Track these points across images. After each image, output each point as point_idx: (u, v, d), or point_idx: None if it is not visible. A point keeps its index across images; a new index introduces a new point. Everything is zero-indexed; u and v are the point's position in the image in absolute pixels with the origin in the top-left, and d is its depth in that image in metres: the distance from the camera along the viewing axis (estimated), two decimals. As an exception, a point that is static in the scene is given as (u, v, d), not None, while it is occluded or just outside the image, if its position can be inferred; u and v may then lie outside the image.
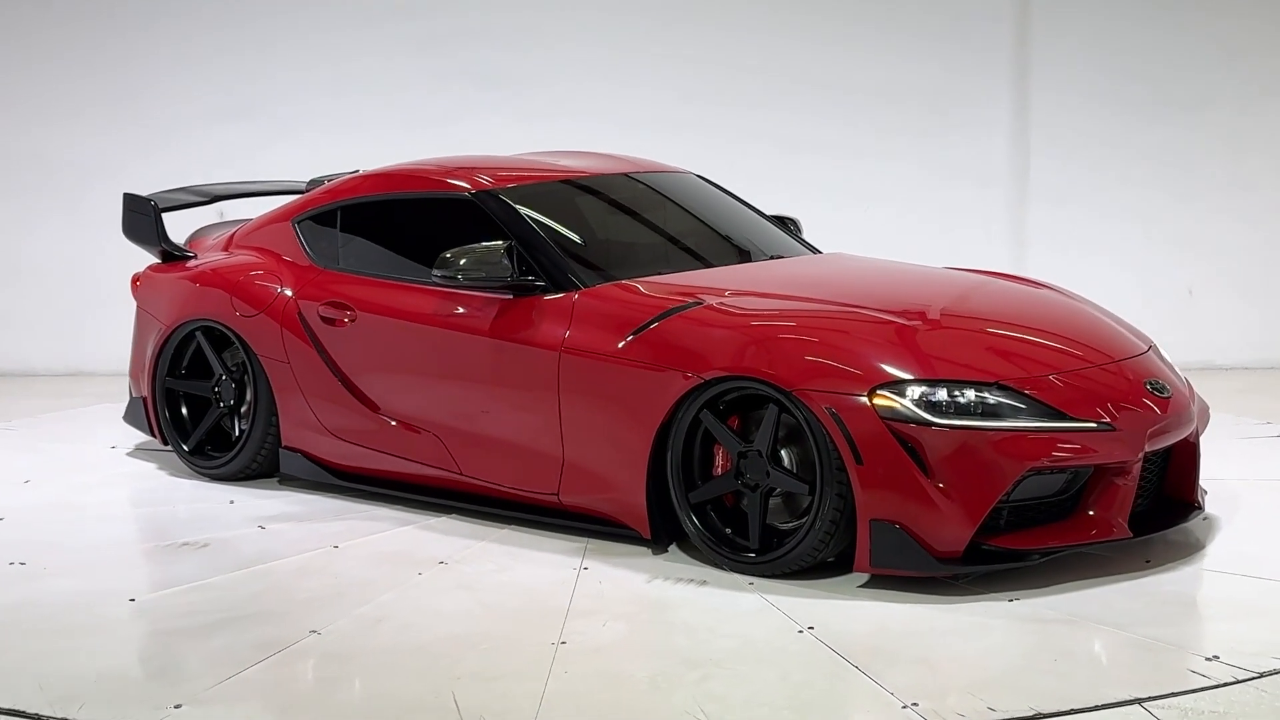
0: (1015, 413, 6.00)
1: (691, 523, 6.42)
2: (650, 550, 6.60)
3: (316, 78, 11.32)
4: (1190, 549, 6.49)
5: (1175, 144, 11.05)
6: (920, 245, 10.92)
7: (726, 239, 7.71)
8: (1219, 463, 7.71)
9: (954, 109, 11.20)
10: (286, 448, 7.71)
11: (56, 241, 11.40)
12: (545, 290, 6.88)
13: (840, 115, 11.23)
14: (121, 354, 8.56)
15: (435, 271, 6.92)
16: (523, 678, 5.27)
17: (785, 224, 8.20)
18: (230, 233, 8.33)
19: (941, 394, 5.98)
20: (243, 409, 7.87)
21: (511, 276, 6.85)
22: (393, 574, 6.40)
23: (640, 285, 6.83)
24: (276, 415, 7.68)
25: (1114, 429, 6.09)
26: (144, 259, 8.58)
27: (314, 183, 8.44)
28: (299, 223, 7.89)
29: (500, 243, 6.90)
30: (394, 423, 7.32)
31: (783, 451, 6.26)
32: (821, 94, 11.23)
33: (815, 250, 7.93)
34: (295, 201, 8.04)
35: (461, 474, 7.13)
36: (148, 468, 8.32)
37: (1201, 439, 6.78)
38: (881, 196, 11.26)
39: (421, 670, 5.37)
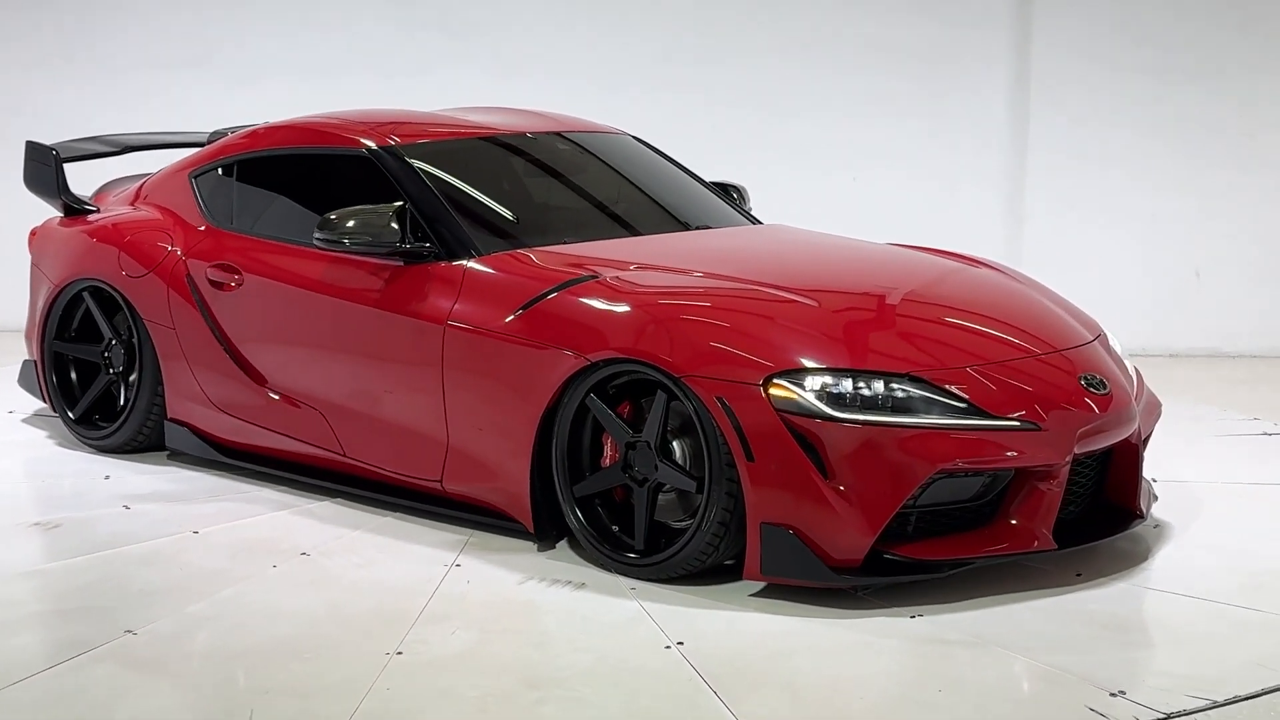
0: (928, 407, 5.38)
1: (575, 517, 5.84)
2: (536, 546, 6.01)
3: (277, 24, 10.77)
4: (1131, 561, 5.85)
5: (1185, 113, 10.33)
6: (909, 214, 10.33)
7: (656, 206, 7.10)
8: (1188, 462, 7.11)
9: (949, 68, 10.48)
10: (172, 420, 7.16)
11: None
12: (437, 257, 6.29)
13: (826, 73, 10.55)
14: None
15: (317, 234, 6.34)
16: (340, 694, 4.70)
17: (728, 192, 7.57)
18: (138, 185, 7.78)
19: (846, 385, 5.37)
20: (131, 377, 7.32)
21: (400, 242, 6.26)
22: (246, 565, 5.84)
23: (535, 255, 6.24)
24: (163, 384, 7.13)
25: (1039, 428, 5.45)
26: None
27: (216, 134, 7.87)
28: (196, 177, 7.33)
29: (391, 204, 6.32)
30: (278, 397, 6.75)
31: (675, 443, 5.65)
32: (806, 50, 10.56)
33: (755, 221, 7.30)
34: (195, 154, 7.48)
35: (345, 455, 6.57)
36: (39, 435, 7.80)
37: (1155, 437, 6.19)
38: (869, 162, 10.58)
39: (228, 682, 4.80)
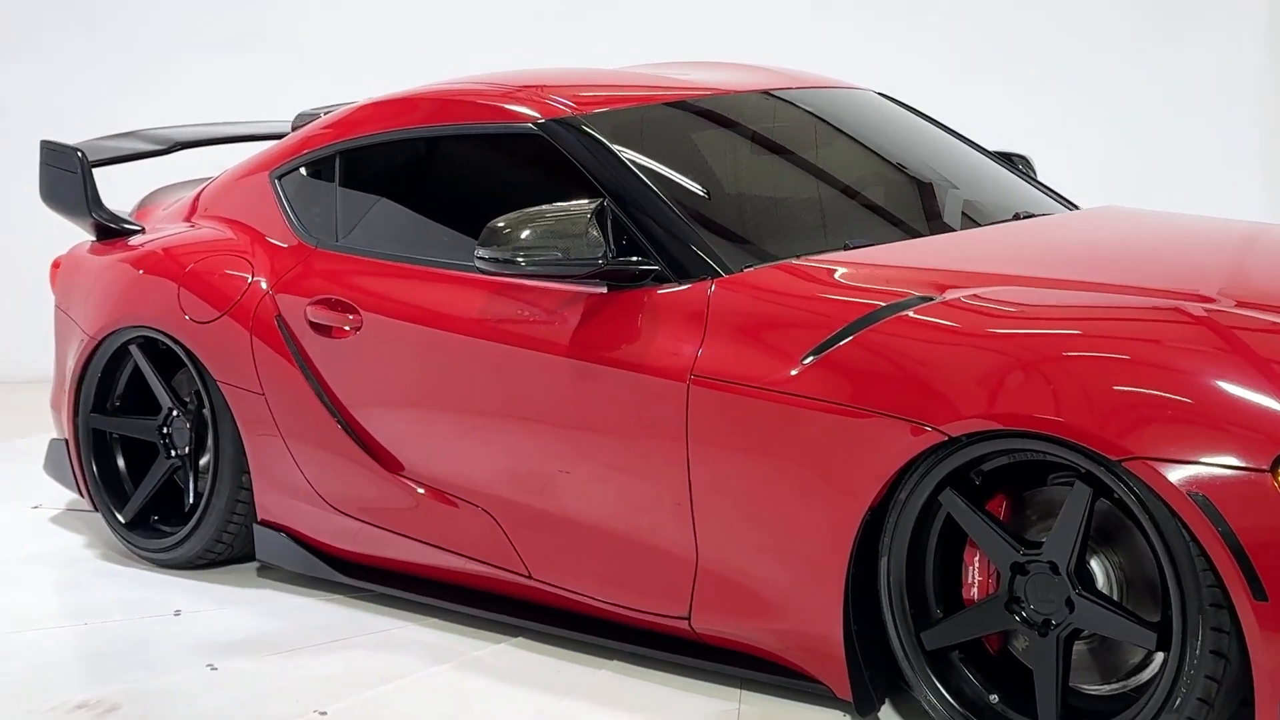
0: None
1: (928, 685, 3.74)
2: (849, 717, 3.91)
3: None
4: None
5: None
6: (1135, 197, 8.40)
7: (939, 189, 5.02)
8: None
9: (1186, 6, 8.79)
10: (264, 523, 5.10)
11: (13, 208, 8.83)
12: (659, 278, 4.21)
13: (1028, 19, 8.88)
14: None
15: (481, 252, 4.28)
16: None
17: (1013, 163, 5.52)
18: (194, 194, 5.74)
19: None
20: (202, 462, 5.25)
21: (605, 258, 4.17)
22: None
23: (821, 267, 4.16)
24: (248, 474, 5.06)
25: None
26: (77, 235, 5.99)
27: (303, 118, 5.79)
28: (280, 178, 5.28)
29: (586, 202, 4.23)
30: (421, 489, 4.68)
31: (1093, 562, 3.56)
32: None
33: (1070, 205, 5.22)
34: (274, 148, 5.44)
35: (532, 577, 4.47)
36: (74, 544, 5.70)
37: None
38: (1083, 128, 8.85)
39: None
